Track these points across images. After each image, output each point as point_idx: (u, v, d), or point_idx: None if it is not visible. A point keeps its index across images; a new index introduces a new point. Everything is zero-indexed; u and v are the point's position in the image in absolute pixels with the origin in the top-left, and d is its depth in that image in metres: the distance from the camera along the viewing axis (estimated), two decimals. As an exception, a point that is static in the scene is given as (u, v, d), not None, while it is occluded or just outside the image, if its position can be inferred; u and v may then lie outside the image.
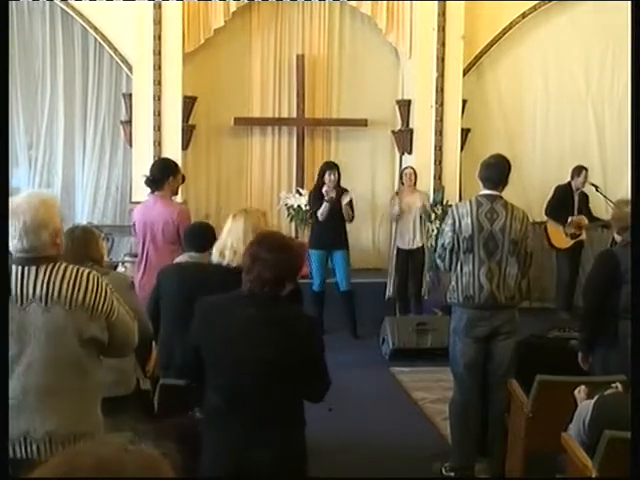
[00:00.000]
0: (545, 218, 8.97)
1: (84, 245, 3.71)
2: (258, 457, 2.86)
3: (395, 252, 8.33)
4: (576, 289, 8.74)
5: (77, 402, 2.67)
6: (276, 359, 2.85)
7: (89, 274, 2.71)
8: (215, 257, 4.06)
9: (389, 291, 8.45)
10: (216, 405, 2.95)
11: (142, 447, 1.27)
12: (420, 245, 8.24)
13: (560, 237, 8.83)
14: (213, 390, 2.96)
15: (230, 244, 4.01)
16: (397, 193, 8.50)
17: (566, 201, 8.85)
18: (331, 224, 7.95)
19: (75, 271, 2.69)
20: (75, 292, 2.64)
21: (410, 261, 8.28)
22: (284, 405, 2.93)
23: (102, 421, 2.78)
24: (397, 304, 8.38)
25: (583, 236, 8.81)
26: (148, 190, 5.61)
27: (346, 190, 7.99)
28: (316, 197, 8.02)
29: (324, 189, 7.81)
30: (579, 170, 8.87)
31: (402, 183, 8.47)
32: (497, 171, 4.52)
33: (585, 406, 3.33)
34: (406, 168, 8.52)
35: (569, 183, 8.93)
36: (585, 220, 8.73)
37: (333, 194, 7.84)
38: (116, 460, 1.21)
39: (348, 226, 8.31)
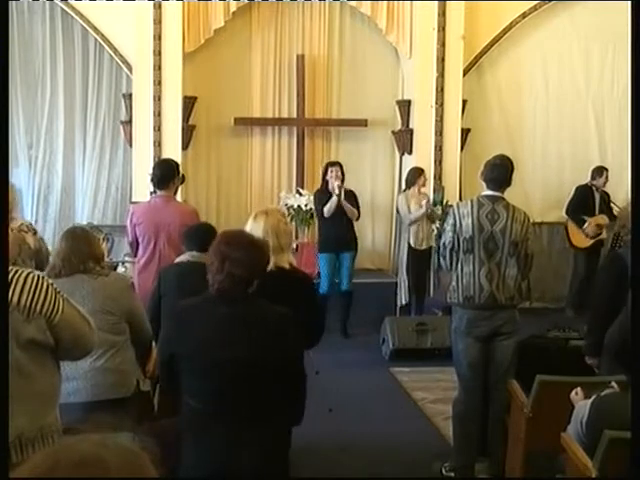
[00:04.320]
0: (541, 219, 9.05)
1: (86, 245, 3.70)
2: (240, 458, 2.84)
3: (406, 252, 8.12)
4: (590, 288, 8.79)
5: (24, 406, 2.56)
6: (252, 358, 2.83)
7: (28, 274, 2.60)
8: None
9: (404, 296, 8.24)
10: (194, 409, 2.92)
11: (121, 441, 1.27)
12: (430, 245, 8.10)
13: (580, 236, 8.92)
14: (190, 394, 2.93)
15: None
16: (420, 195, 8.13)
17: (586, 201, 8.94)
18: (340, 226, 7.94)
19: (13, 272, 2.59)
20: (10, 293, 2.54)
21: (421, 261, 8.16)
22: (264, 404, 2.90)
23: (59, 425, 2.69)
24: (410, 305, 8.25)
25: (603, 235, 8.86)
26: (148, 190, 5.61)
27: (349, 189, 8.05)
28: (321, 196, 8.01)
29: (334, 183, 7.83)
30: (600, 171, 9.00)
31: (414, 184, 8.23)
32: (501, 172, 4.52)
33: (582, 406, 3.33)
34: (420, 169, 8.35)
35: (589, 183, 8.99)
36: (605, 219, 8.79)
37: (341, 190, 7.87)
38: (96, 455, 1.21)
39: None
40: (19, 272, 2.61)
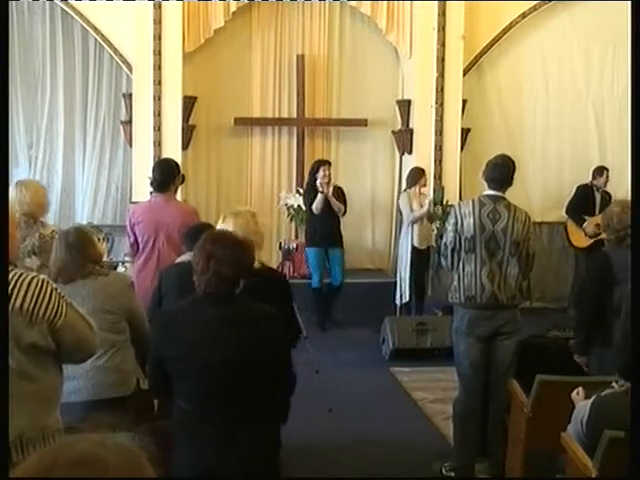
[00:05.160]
0: (541, 219, 9.05)
1: (81, 250, 3.65)
2: (230, 459, 2.84)
3: (410, 252, 8.09)
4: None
5: (25, 407, 2.55)
6: (242, 359, 2.83)
7: (32, 279, 2.58)
8: None
9: (404, 294, 8.15)
10: (184, 410, 2.92)
11: (120, 441, 1.27)
12: (430, 245, 8.16)
13: (580, 236, 8.93)
14: (180, 396, 2.93)
15: None
16: (420, 195, 8.20)
17: (587, 201, 8.94)
18: (327, 221, 8.14)
19: (17, 276, 2.57)
20: (13, 297, 2.52)
21: (421, 261, 8.18)
22: (253, 405, 2.90)
23: (60, 425, 2.68)
24: (410, 305, 8.21)
25: (603, 235, 8.86)
26: (148, 190, 5.59)
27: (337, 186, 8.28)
28: (310, 192, 8.18)
29: (318, 182, 8.05)
30: (601, 170, 9.00)
31: (416, 184, 8.22)
32: (503, 172, 4.53)
33: (582, 406, 3.33)
34: (421, 169, 8.36)
35: (590, 183, 8.99)
36: None
37: (329, 189, 8.09)
38: (94, 455, 1.21)
39: (347, 225, 8.35)
40: (23, 276, 2.59)
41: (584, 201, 8.94)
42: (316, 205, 8.03)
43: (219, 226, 3.94)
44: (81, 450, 1.23)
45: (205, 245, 2.91)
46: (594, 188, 8.98)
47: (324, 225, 8.14)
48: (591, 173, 9.03)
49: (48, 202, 5.16)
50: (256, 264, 3.77)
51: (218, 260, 2.82)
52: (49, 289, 2.61)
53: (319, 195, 8.02)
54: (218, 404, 2.87)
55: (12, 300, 2.52)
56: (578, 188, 9.05)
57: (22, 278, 2.58)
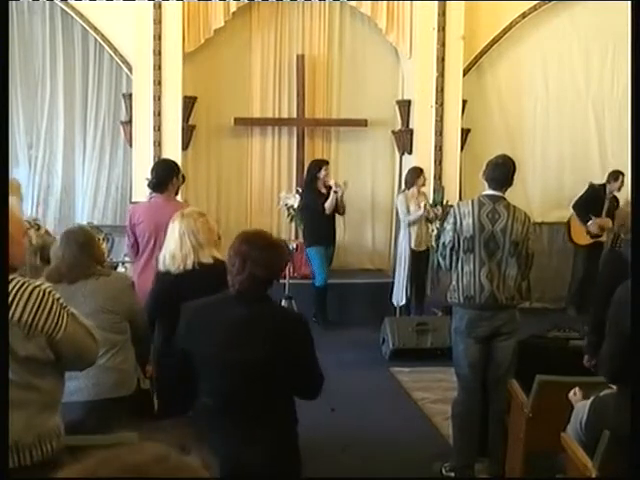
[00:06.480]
0: (541, 219, 9.07)
1: (89, 250, 3.66)
2: (250, 457, 2.86)
3: (408, 254, 8.09)
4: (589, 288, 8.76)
5: (22, 413, 2.52)
6: (267, 358, 2.86)
7: (33, 289, 2.51)
8: (160, 265, 4.11)
9: (404, 295, 8.12)
10: (207, 406, 2.95)
11: (183, 459, 1.15)
12: (429, 246, 8.17)
13: (581, 234, 8.94)
14: (203, 391, 2.96)
15: (168, 250, 4.06)
16: (419, 195, 8.26)
17: (596, 201, 8.91)
18: (330, 220, 8.29)
19: (19, 286, 2.50)
20: (12, 308, 2.46)
21: (420, 261, 8.19)
22: (275, 404, 2.93)
23: (60, 430, 2.66)
24: (410, 305, 8.20)
25: (603, 238, 8.86)
26: (148, 190, 5.59)
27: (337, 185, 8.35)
28: (312, 193, 8.24)
29: (331, 182, 8.19)
30: (616, 175, 8.94)
31: (414, 184, 8.22)
32: (503, 172, 4.52)
33: (581, 407, 3.33)
34: (419, 169, 8.37)
35: (604, 185, 8.97)
36: (609, 223, 8.75)
37: (344, 189, 8.24)
38: (139, 469, 1.12)
39: (347, 225, 8.38)
40: (25, 285, 2.53)
41: (594, 201, 8.90)
42: (330, 205, 8.13)
43: (169, 228, 4.12)
44: (129, 462, 1.14)
45: (241, 247, 2.93)
46: (607, 191, 8.96)
47: (328, 224, 8.26)
48: (606, 177, 9.00)
49: (22, 196, 5.19)
50: (209, 259, 3.96)
51: (253, 262, 2.85)
52: (50, 300, 2.55)
53: (332, 194, 8.11)
54: (242, 401, 2.90)
55: (11, 311, 2.47)
56: (591, 187, 9.01)
57: (23, 288, 2.52)
